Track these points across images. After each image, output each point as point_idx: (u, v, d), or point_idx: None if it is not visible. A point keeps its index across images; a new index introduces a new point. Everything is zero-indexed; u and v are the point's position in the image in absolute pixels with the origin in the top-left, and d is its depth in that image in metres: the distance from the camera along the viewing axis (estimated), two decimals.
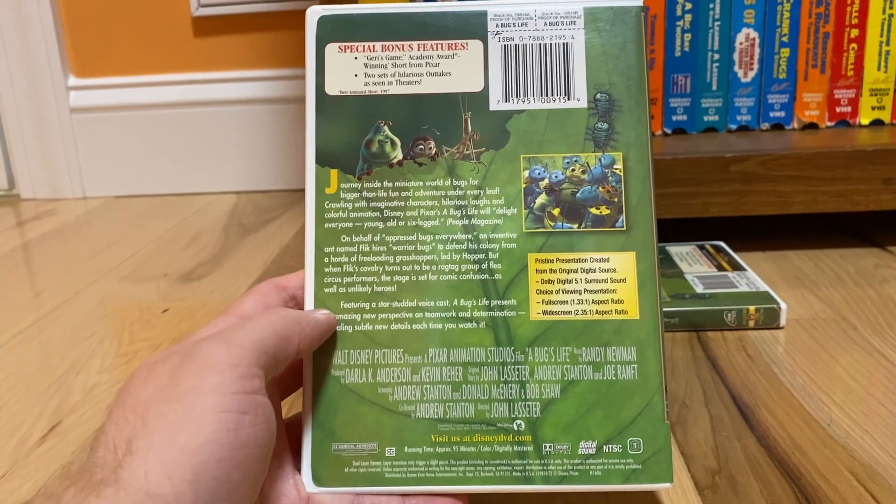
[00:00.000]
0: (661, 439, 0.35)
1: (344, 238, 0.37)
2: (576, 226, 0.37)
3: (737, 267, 0.69)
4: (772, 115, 0.82)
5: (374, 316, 0.36)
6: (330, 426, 0.35)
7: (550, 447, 0.35)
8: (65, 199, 1.20)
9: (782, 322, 0.61)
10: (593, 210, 0.37)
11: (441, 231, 0.37)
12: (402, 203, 0.37)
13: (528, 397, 0.35)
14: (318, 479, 0.35)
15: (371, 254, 0.37)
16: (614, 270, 0.36)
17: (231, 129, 1.14)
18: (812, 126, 0.82)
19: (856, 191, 0.74)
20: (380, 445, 0.35)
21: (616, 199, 0.37)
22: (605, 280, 0.36)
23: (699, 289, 0.64)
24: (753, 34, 0.80)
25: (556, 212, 0.37)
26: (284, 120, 1.13)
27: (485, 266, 0.36)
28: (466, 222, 0.37)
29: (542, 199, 0.37)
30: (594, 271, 0.36)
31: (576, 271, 0.36)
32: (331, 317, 0.36)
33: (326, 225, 0.37)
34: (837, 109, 0.81)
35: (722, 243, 0.75)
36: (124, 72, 1.16)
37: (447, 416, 0.35)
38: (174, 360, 0.31)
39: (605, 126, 0.38)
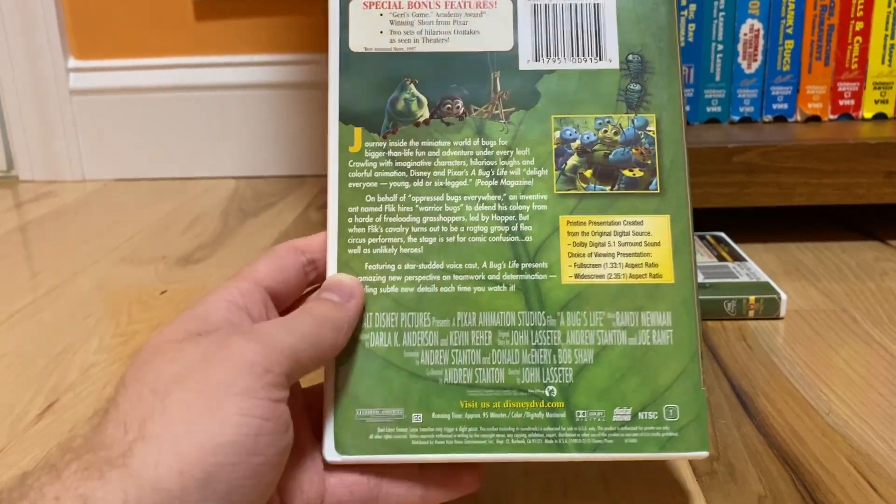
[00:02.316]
0: (698, 407, 0.34)
1: (368, 198, 0.36)
2: (608, 188, 0.36)
3: (737, 258, 0.68)
4: (775, 107, 0.82)
5: (399, 278, 0.35)
6: (354, 391, 0.34)
7: (584, 414, 0.34)
8: (64, 182, 1.18)
9: (782, 312, 0.60)
10: (626, 172, 0.36)
11: (469, 192, 0.36)
12: (429, 163, 0.36)
13: (560, 363, 0.34)
14: (341, 447, 0.33)
15: (397, 214, 0.35)
16: (648, 234, 0.35)
17: (232, 113, 1.13)
18: (815, 119, 0.82)
19: (858, 184, 0.73)
20: (406, 411, 0.34)
21: (649, 162, 0.36)
22: (638, 243, 0.35)
23: (700, 279, 0.63)
24: (758, 25, 0.80)
25: (588, 173, 0.36)
26: (286, 105, 1.12)
27: (514, 228, 0.35)
28: (495, 183, 0.36)
29: (573, 160, 0.36)
30: (627, 234, 0.35)
31: (608, 234, 0.35)
32: (359, 304, 0.34)
33: (350, 185, 0.36)
34: (840, 102, 0.81)
35: (723, 234, 0.75)
36: (125, 54, 1.14)
37: (476, 382, 0.34)
38: (207, 346, 0.29)
39: (638, 87, 0.37)
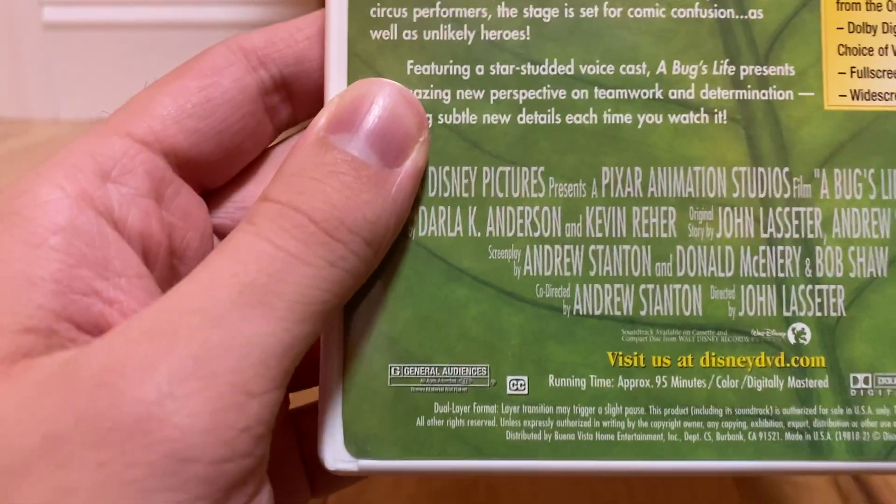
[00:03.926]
0: None
1: None
2: None
3: None
4: None
5: (479, 92, 0.17)
6: (387, 329, 0.16)
7: (866, 382, 0.16)
8: (36, 120, 1.03)
9: None
10: None
11: None
12: None
13: (818, 275, 0.16)
14: (356, 443, 0.16)
15: None
16: None
17: None
18: None
19: None
20: (495, 371, 0.16)
21: None
22: None
23: None
24: None
25: None
26: None
27: None
28: None
29: None
30: None
31: None
32: (421, 162, 0.16)
33: None
34: None
35: None
36: None
37: (642, 314, 0.16)
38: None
39: None
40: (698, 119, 0.16)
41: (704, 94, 0.16)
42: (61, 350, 0.13)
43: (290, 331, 0.13)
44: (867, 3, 0.17)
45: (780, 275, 0.16)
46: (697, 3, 0.17)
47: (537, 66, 0.16)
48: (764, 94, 0.16)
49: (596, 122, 0.16)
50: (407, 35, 0.17)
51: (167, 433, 0.12)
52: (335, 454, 0.16)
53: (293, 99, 0.17)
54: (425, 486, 0.26)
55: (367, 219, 0.14)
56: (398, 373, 0.16)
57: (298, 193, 0.14)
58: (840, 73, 0.17)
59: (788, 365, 0.16)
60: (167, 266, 0.16)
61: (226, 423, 0.12)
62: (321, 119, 0.15)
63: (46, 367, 0.12)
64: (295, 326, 0.13)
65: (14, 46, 1.03)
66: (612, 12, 0.17)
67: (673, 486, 0.26)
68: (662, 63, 0.16)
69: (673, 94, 0.16)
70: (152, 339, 0.12)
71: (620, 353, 0.16)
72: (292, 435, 0.18)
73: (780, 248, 0.16)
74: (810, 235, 0.16)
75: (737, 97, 0.16)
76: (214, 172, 0.17)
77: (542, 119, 0.16)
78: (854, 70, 0.17)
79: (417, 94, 0.16)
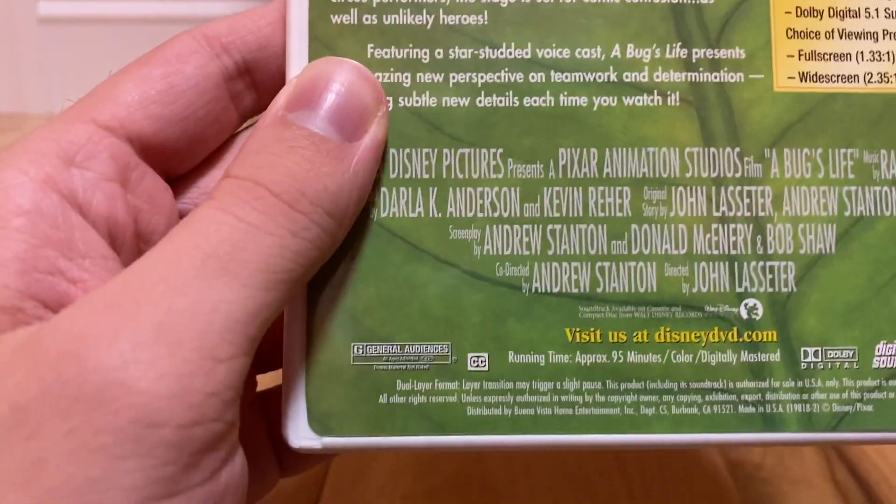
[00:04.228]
0: None
1: None
2: None
3: None
4: None
5: (438, 76, 0.17)
6: (350, 308, 0.16)
7: (816, 355, 0.17)
8: (31, 115, 1.01)
9: None
10: None
11: None
12: None
13: (769, 252, 0.17)
14: (320, 421, 0.16)
15: None
16: None
17: None
18: None
19: None
20: (456, 348, 0.16)
21: None
22: None
23: None
24: None
25: None
26: None
27: None
28: None
29: None
30: None
31: None
32: (381, 136, 0.16)
33: None
34: None
35: None
36: None
37: (599, 291, 0.17)
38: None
39: None
40: (652, 101, 0.17)
41: (658, 76, 0.17)
42: (26, 326, 0.13)
43: (254, 298, 0.13)
44: None
45: (733, 252, 0.17)
46: None
47: (495, 50, 0.17)
48: (715, 77, 0.17)
49: (553, 104, 0.17)
50: (367, 19, 0.17)
51: (133, 398, 0.12)
52: (299, 432, 0.16)
53: (257, 86, 0.18)
54: (420, 483, 0.26)
55: (329, 190, 0.14)
56: (361, 351, 0.16)
57: (258, 168, 0.14)
58: (789, 55, 0.17)
59: (741, 339, 0.17)
60: (134, 249, 0.16)
61: (192, 387, 0.12)
62: (280, 98, 0.15)
63: (11, 342, 0.13)
64: (259, 294, 0.13)
65: (9, 41, 1.02)
66: None
67: (670, 480, 0.26)
68: (617, 47, 0.17)
69: (627, 76, 0.17)
70: (116, 307, 0.12)
71: (578, 329, 0.16)
72: (261, 416, 0.19)
73: (731, 225, 0.17)
74: (761, 213, 0.17)
75: (689, 79, 0.17)
76: (179, 158, 0.17)
77: (501, 102, 0.17)
78: (802, 53, 0.17)
79: (378, 76, 0.17)
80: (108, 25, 0.97)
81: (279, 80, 0.17)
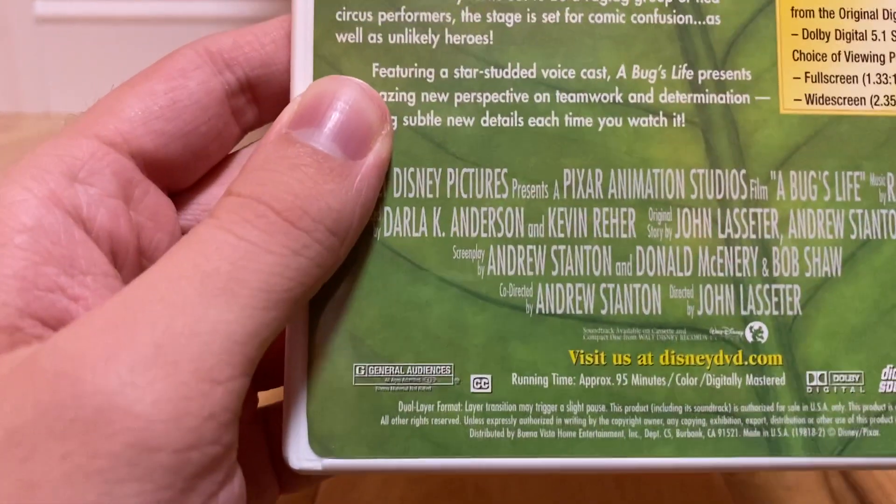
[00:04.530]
0: None
1: None
2: None
3: None
4: None
5: (444, 95, 0.17)
6: (352, 328, 0.16)
7: (821, 379, 0.17)
8: (27, 114, 1.01)
9: None
10: None
11: None
12: None
13: (774, 275, 0.17)
14: (321, 442, 0.16)
15: None
16: None
17: None
18: None
19: None
20: (459, 369, 0.16)
21: None
22: None
23: None
24: None
25: None
26: None
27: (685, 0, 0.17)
28: None
29: None
30: None
31: (872, 15, 0.17)
32: (385, 155, 0.16)
33: None
34: None
35: None
36: None
37: (603, 313, 0.17)
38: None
39: None
40: (657, 122, 0.17)
41: (663, 97, 0.17)
42: (25, 346, 0.13)
43: (253, 318, 0.13)
44: (820, 11, 0.17)
45: (738, 274, 0.17)
46: (657, 10, 0.17)
47: (500, 70, 0.17)
48: (721, 98, 0.17)
49: (557, 125, 0.17)
50: (372, 38, 0.17)
51: (130, 422, 0.12)
52: (300, 453, 0.16)
53: (259, 101, 0.18)
54: (415, 487, 0.26)
55: (332, 207, 0.14)
56: (363, 372, 0.16)
57: (260, 185, 0.14)
58: (795, 77, 0.17)
59: (746, 363, 0.16)
60: (136, 266, 0.16)
61: (189, 410, 0.12)
62: (284, 116, 0.15)
63: (8, 363, 0.12)
64: (259, 314, 0.13)
65: (5, 40, 1.02)
66: (574, 18, 0.17)
67: (665, 489, 0.26)
68: (622, 67, 0.17)
69: (633, 97, 0.17)
70: (113, 328, 0.12)
71: (582, 351, 0.16)
72: (261, 433, 0.18)
73: (737, 248, 0.17)
74: (767, 236, 0.17)
75: (695, 101, 0.17)
76: (181, 174, 0.17)
77: (506, 122, 0.17)
78: (808, 75, 0.17)
79: (383, 96, 0.17)
80: (105, 25, 0.96)
81: (282, 97, 0.17)
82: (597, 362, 0.16)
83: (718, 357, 0.16)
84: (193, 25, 0.94)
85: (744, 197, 0.17)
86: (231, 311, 0.13)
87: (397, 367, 0.16)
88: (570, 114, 0.17)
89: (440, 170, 0.17)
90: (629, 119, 0.17)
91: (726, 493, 0.26)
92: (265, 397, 0.19)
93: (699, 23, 0.17)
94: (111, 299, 0.13)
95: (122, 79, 0.18)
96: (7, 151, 0.79)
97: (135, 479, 0.12)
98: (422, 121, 0.17)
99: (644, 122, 0.17)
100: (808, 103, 0.17)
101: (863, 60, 0.17)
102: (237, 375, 0.13)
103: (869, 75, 0.17)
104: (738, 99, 0.17)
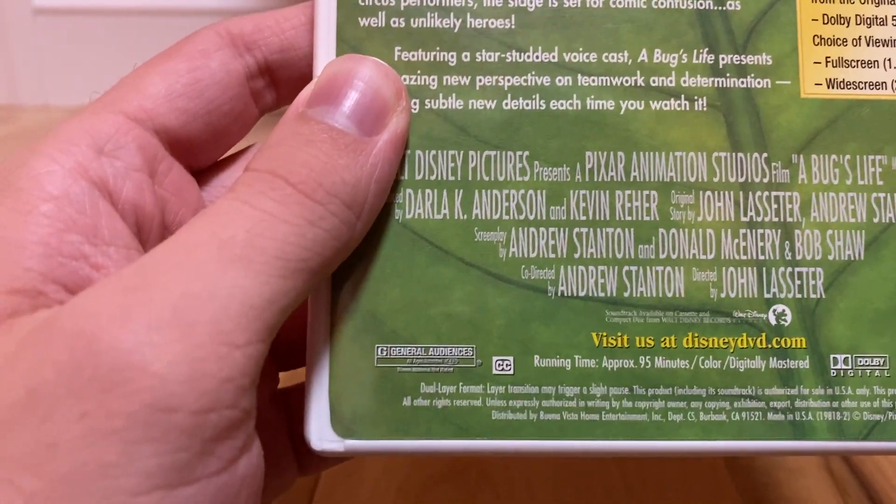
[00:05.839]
0: None
1: None
2: None
3: None
4: None
5: (465, 78, 0.17)
6: (374, 309, 0.16)
7: (846, 362, 0.16)
8: (24, 106, 1.01)
9: None
10: None
11: None
12: None
13: (797, 258, 0.17)
14: (343, 423, 0.16)
15: None
16: None
17: None
18: None
19: None
20: (481, 351, 0.16)
21: None
22: None
23: None
24: None
25: None
26: None
27: None
28: None
29: None
30: None
31: (892, 1, 0.17)
32: (402, 131, 0.16)
33: None
34: None
35: None
36: None
37: (625, 296, 0.16)
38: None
39: None
40: (679, 105, 0.17)
41: (685, 81, 0.17)
42: (46, 309, 0.13)
43: (270, 284, 0.13)
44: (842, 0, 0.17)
45: (761, 257, 0.17)
46: None
47: (522, 54, 0.17)
48: (742, 83, 0.17)
49: (579, 108, 0.17)
50: (394, 22, 0.17)
51: (146, 382, 0.12)
52: (321, 434, 0.16)
53: (278, 85, 0.18)
54: (417, 471, 0.26)
55: (346, 181, 0.14)
56: (385, 353, 0.16)
57: (276, 160, 0.14)
58: (815, 62, 0.17)
59: (770, 346, 0.16)
60: (160, 240, 0.16)
61: (206, 372, 0.12)
62: (302, 96, 0.15)
63: (29, 323, 0.12)
64: (275, 281, 0.13)
65: (3, 32, 1.02)
66: (595, 2, 0.17)
67: (667, 471, 0.26)
68: (644, 51, 0.17)
69: (654, 81, 0.17)
70: (132, 290, 0.12)
71: (605, 333, 0.16)
72: (282, 413, 0.18)
73: (760, 231, 0.17)
74: (789, 219, 0.17)
75: (716, 85, 0.17)
76: (202, 153, 0.17)
77: (527, 105, 0.17)
78: (829, 60, 0.17)
79: (405, 79, 0.17)
80: (102, 17, 0.97)
81: (300, 82, 0.17)
82: (620, 345, 0.16)
83: (742, 340, 0.16)
84: (191, 18, 0.95)
85: (766, 180, 0.17)
86: (247, 278, 0.13)
87: (419, 349, 0.16)
88: (592, 97, 0.17)
89: (462, 152, 0.17)
90: (651, 102, 0.17)
91: (726, 476, 0.26)
92: (286, 379, 0.19)
93: (719, 8, 0.17)
94: (129, 265, 0.13)
95: (119, 71, 0.18)
96: (5, 143, 0.79)
97: (152, 440, 0.12)
98: (443, 104, 0.17)
99: (666, 105, 0.17)
100: (829, 87, 0.17)
101: (883, 45, 0.17)
102: (254, 341, 0.13)
103: (890, 60, 0.17)
104: (758, 83, 0.17)
